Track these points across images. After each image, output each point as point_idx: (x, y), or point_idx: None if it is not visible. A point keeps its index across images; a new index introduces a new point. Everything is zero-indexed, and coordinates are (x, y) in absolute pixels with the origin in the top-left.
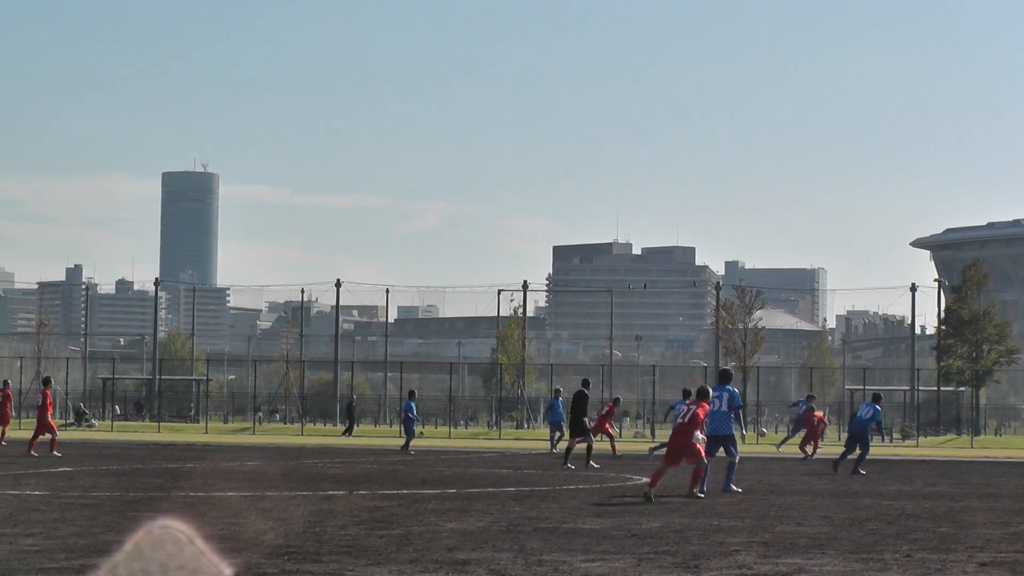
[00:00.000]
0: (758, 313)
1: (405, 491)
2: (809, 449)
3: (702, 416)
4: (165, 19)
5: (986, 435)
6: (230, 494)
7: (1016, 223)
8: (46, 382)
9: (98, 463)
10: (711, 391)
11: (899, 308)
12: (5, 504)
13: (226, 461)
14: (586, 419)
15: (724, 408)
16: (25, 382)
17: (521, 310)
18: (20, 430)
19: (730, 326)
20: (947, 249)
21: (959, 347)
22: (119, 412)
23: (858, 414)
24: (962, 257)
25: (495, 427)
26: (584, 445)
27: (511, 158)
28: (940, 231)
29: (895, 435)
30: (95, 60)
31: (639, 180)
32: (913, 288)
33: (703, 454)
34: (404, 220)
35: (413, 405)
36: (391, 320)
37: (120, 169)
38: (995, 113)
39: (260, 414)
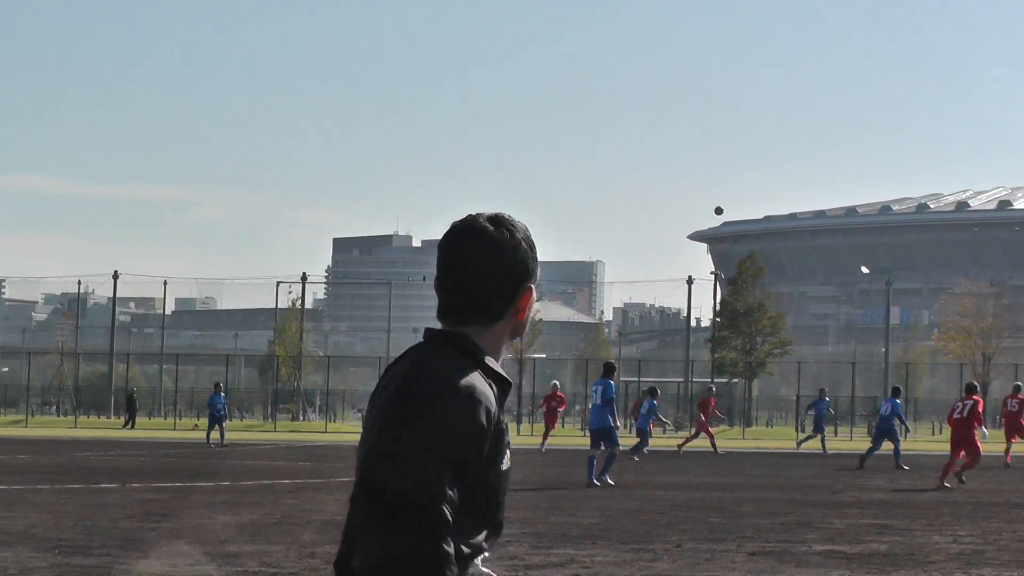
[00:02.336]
0: (535, 305)
1: (178, 484)
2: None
3: (980, 409)
4: None
5: (758, 426)
6: (1, 487)
7: (792, 216)
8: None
9: None
10: (595, 385)
11: (676, 300)
12: None
13: None
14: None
15: (599, 402)
16: None
17: (299, 302)
18: None
19: None
20: (723, 242)
21: (733, 339)
22: None
23: (880, 411)
24: (738, 250)
25: (271, 419)
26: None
27: (292, 149)
28: (717, 224)
29: (668, 426)
30: None
31: (419, 172)
32: (689, 280)
33: (980, 448)
34: (184, 211)
35: (220, 398)
36: (168, 312)
37: None
38: (768, 107)
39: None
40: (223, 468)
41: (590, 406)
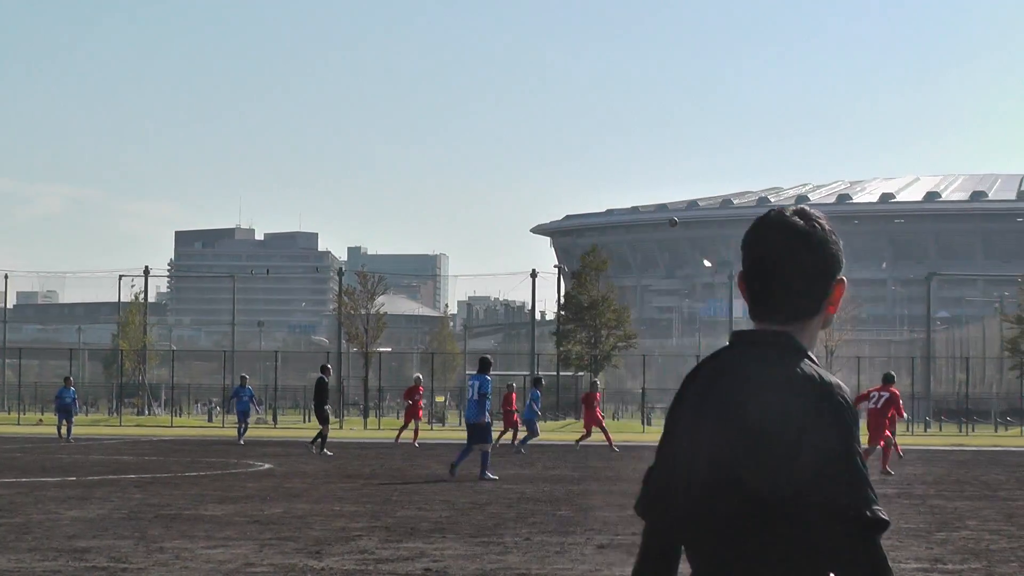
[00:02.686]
0: (380, 299)
1: (25, 479)
2: None
3: (899, 400)
4: None
5: (604, 419)
6: None
7: (634, 210)
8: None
9: None
10: (471, 380)
11: (520, 294)
12: None
13: None
14: (327, 407)
15: (475, 397)
16: None
17: (142, 296)
18: None
19: (352, 312)
20: (567, 235)
21: (578, 332)
22: None
23: None
24: (582, 243)
25: (116, 414)
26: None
27: (134, 141)
28: (560, 218)
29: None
30: None
31: (261, 165)
32: (533, 274)
33: (882, 441)
34: (25, 204)
35: (70, 392)
36: (10, 306)
37: None
38: (611, 100)
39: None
40: (69, 463)
41: (467, 400)
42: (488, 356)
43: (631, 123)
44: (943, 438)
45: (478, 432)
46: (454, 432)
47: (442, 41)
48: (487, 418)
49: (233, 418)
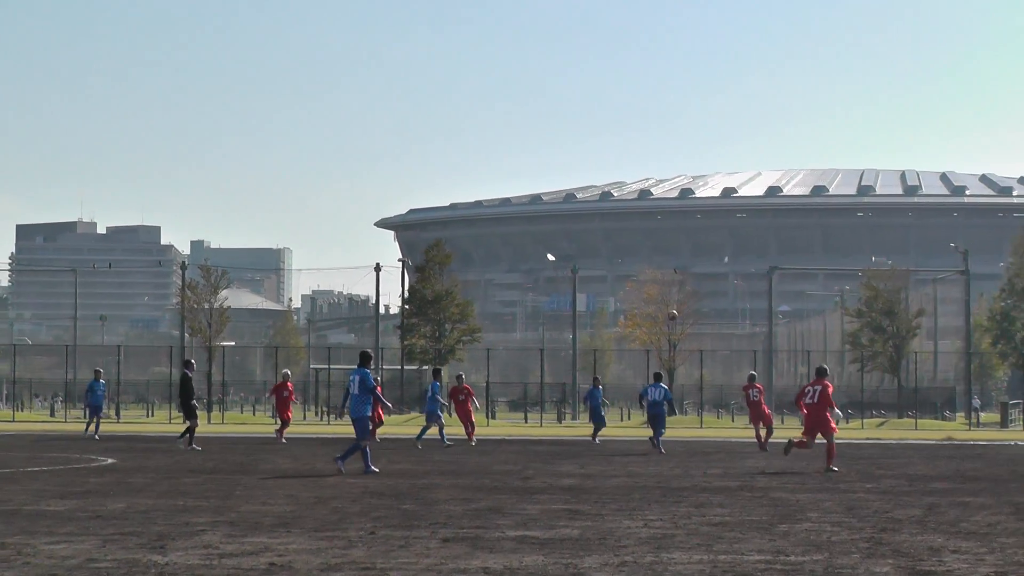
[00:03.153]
0: (224, 293)
1: None
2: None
3: (830, 392)
4: None
5: (449, 413)
6: None
7: (478, 204)
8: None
9: None
10: (352, 375)
11: (364, 288)
12: None
13: None
14: (194, 402)
15: (356, 391)
16: None
17: None
18: None
19: (195, 306)
20: (411, 229)
21: (422, 326)
22: None
23: (649, 397)
24: (426, 237)
25: None
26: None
27: None
28: (404, 212)
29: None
30: None
31: (103, 158)
32: (377, 268)
33: (835, 430)
34: None
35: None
36: None
37: None
38: (455, 95)
39: None
40: None
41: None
42: (368, 351)
43: (475, 117)
44: (785, 431)
45: (360, 426)
46: (298, 427)
47: (286, 34)
48: (369, 411)
49: (76, 412)
